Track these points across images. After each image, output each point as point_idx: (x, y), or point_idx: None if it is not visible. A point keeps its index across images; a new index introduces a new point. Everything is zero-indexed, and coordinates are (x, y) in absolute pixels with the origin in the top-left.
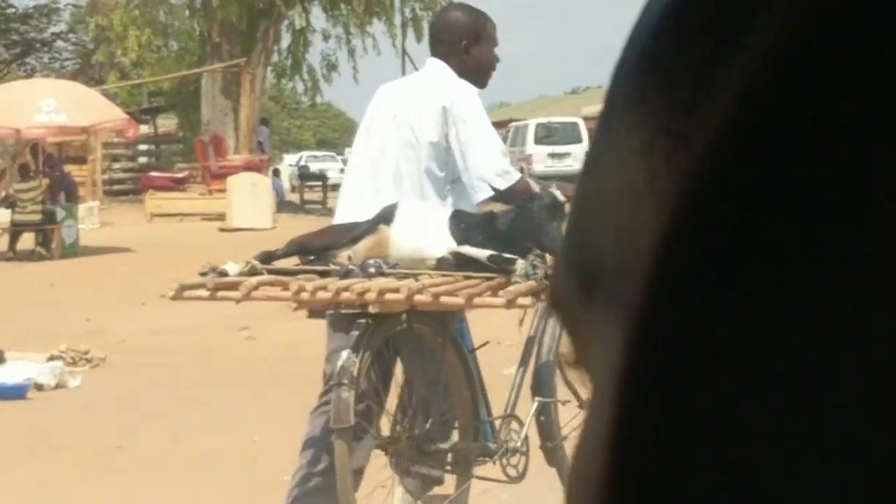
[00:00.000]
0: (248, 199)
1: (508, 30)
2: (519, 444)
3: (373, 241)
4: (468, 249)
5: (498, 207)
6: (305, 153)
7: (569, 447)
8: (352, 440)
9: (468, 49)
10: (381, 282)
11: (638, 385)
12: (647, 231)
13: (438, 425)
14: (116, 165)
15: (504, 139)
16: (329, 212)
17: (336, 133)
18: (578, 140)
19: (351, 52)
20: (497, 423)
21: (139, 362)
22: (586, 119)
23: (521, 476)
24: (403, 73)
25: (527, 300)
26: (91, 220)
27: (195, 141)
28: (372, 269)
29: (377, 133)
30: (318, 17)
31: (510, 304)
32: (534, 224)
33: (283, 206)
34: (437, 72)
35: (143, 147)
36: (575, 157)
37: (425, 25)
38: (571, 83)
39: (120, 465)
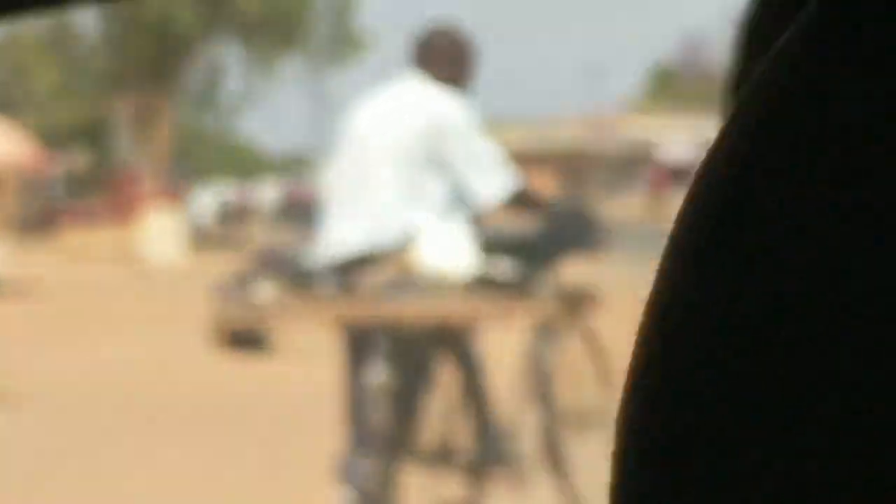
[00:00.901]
0: (163, 233)
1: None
2: (524, 453)
3: (397, 260)
4: (493, 269)
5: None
6: (223, 187)
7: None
8: (394, 448)
9: (455, 64)
10: (412, 299)
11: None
12: None
13: (464, 435)
14: (30, 200)
15: None
16: (247, 245)
17: (250, 165)
18: None
19: (265, 85)
20: (504, 434)
21: (54, 400)
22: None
23: (526, 483)
24: (319, 105)
25: (553, 314)
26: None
27: (109, 174)
28: (399, 288)
29: (365, 143)
30: (232, 50)
31: (537, 318)
32: (570, 232)
33: (200, 239)
34: (416, 85)
35: (56, 181)
36: None
37: (341, 58)
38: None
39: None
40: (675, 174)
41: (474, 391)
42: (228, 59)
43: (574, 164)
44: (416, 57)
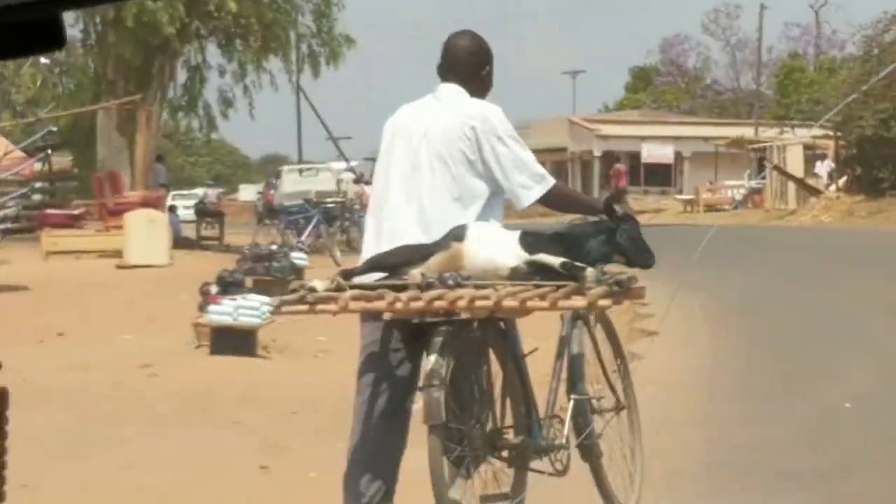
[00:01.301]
0: (145, 236)
1: (404, 65)
2: (564, 440)
3: (446, 256)
4: (542, 257)
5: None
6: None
7: (645, 426)
8: (444, 436)
9: (488, 73)
10: (469, 291)
11: None
12: None
13: (510, 422)
14: (11, 203)
15: (361, 176)
16: (227, 248)
17: (230, 169)
18: None
19: (246, 89)
20: (543, 421)
21: (43, 400)
22: None
23: (565, 470)
24: (299, 109)
25: (607, 301)
26: None
27: (91, 178)
28: (451, 282)
29: (408, 150)
30: (213, 54)
31: (591, 305)
32: (624, 240)
33: (180, 242)
34: (459, 95)
35: (38, 185)
36: None
37: (322, 61)
38: None
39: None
40: (654, 172)
41: (519, 380)
42: (212, 61)
43: (556, 167)
44: (444, 65)
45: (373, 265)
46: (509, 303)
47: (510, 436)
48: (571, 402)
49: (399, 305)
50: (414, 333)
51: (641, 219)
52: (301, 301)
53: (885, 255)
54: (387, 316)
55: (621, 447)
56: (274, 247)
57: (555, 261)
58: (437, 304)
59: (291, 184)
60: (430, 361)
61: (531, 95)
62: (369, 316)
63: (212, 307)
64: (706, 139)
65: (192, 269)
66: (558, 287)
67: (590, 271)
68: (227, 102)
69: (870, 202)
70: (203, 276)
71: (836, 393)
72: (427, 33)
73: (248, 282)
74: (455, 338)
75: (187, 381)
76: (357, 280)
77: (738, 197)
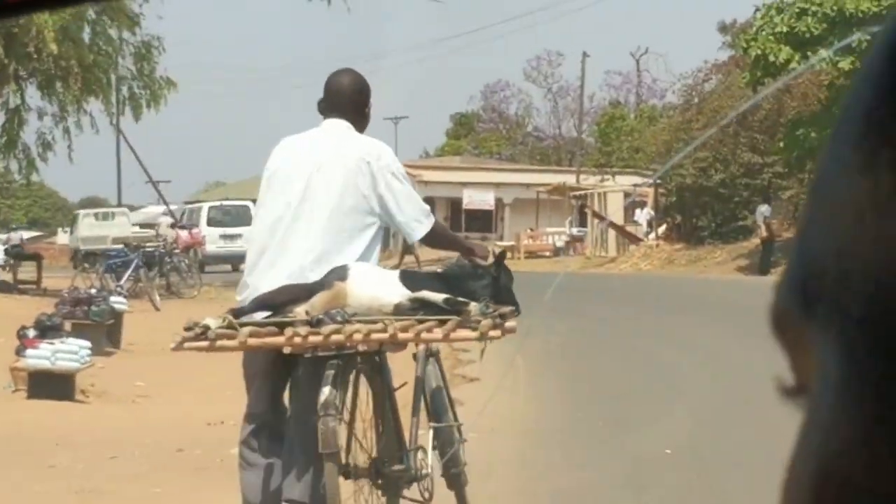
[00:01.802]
0: None
1: (226, 107)
2: (427, 470)
3: (329, 295)
4: (426, 294)
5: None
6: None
7: (469, 472)
8: (339, 463)
9: (369, 110)
10: (364, 325)
11: (861, 394)
12: (869, 243)
13: (388, 451)
14: None
15: (179, 219)
16: (45, 291)
17: (48, 212)
18: (249, 222)
19: (67, 131)
20: (409, 453)
21: None
22: None
23: (430, 498)
24: (118, 151)
25: (496, 332)
26: None
27: None
28: (339, 318)
29: (300, 183)
30: (33, 96)
31: (483, 335)
32: (491, 282)
33: None
34: (348, 131)
35: None
36: (247, 239)
37: (143, 103)
38: None
39: None
40: (475, 218)
41: (392, 412)
42: (31, 103)
43: None
44: (329, 102)
45: (259, 304)
46: (405, 335)
47: (388, 465)
48: (431, 431)
49: (297, 340)
50: (281, 363)
51: None
52: (201, 338)
53: (703, 303)
54: (286, 350)
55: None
56: (93, 291)
57: (437, 297)
58: (335, 337)
59: (87, 228)
60: (324, 392)
61: None
62: (252, 363)
63: (29, 351)
64: (527, 186)
65: (8, 313)
66: (441, 321)
67: (474, 305)
68: (46, 145)
69: (689, 250)
70: (20, 320)
71: (656, 439)
72: (251, 76)
73: (67, 325)
74: (344, 370)
75: (2, 425)
76: (244, 318)
77: (560, 244)
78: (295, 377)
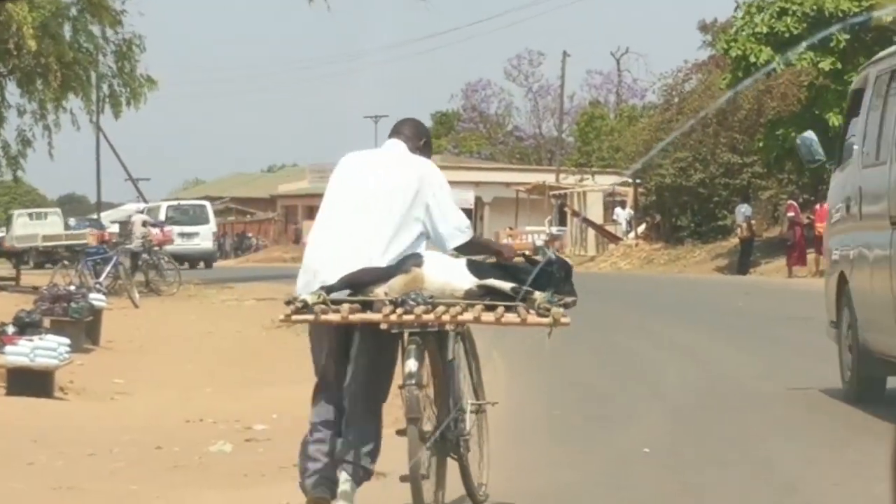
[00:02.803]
0: None
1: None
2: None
3: (408, 278)
4: (493, 282)
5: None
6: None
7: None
8: (421, 427)
9: (426, 144)
10: (448, 308)
11: None
12: None
13: (451, 417)
14: None
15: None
16: (22, 289)
17: (28, 207)
18: (206, 221)
19: (46, 128)
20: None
21: None
22: (282, 196)
23: (466, 454)
24: (98, 149)
25: (566, 319)
26: None
27: None
28: (419, 300)
29: (363, 189)
30: (13, 93)
31: (556, 321)
32: (554, 280)
33: None
34: (403, 149)
35: None
36: (203, 237)
37: (123, 101)
38: (268, 161)
39: None
40: None
41: (451, 381)
42: (11, 100)
43: None
44: (395, 129)
45: (345, 283)
46: (487, 317)
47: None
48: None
49: (394, 317)
50: (343, 338)
51: None
52: (304, 312)
53: (682, 302)
54: (383, 326)
55: (478, 440)
56: (72, 288)
57: (505, 285)
58: (426, 317)
59: (21, 227)
60: (409, 365)
61: (333, 139)
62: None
63: (8, 348)
64: (507, 185)
65: None
66: (507, 307)
67: (540, 294)
68: (25, 142)
69: (668, 249)
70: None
71: (634, 437)
72: (231, 74)
73: (46, 322)
74: (423, 346)
75: None
76: (334, 295)
77: (539, 243)
78: (360, 349)
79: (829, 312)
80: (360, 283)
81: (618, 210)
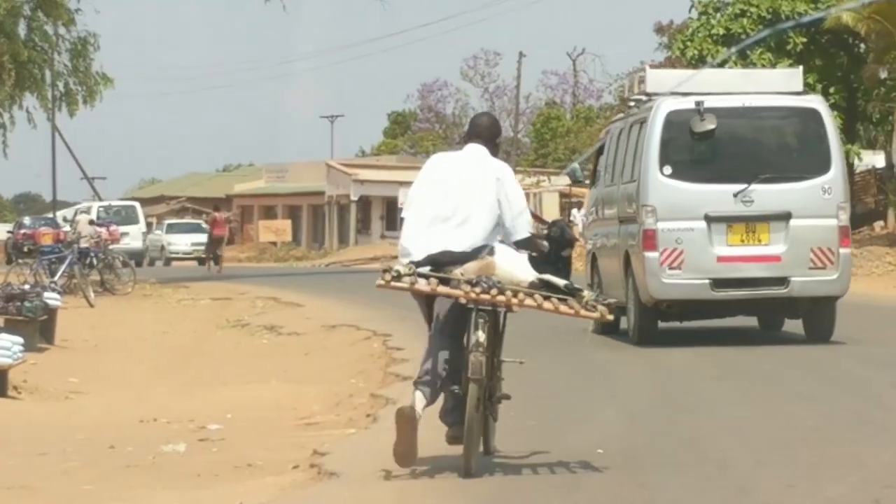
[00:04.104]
0: None
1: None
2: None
3: (481, 264)
4: (551, 277)
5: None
6: None
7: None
8: (482, 387)
9: (500, 143)
10: (515, 293)
11: None
12: None
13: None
14: None
15: (72, 219)
16: None
17: None
18: (136, 221)
19: (1, 127)
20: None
21: None
22: (238, 196)
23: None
24: (54, 147)
25: (611, 316)
26: None
27: None
28: (490, 283)
29: (448, 183)
30: None
31: (602, 316)
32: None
33: None
34: (484, 152)
35: None
36: (132, 237)
37: (79, 99)
38: (224, 161)
39: None
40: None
41: (499, 352)
42: None
43: (314, 210)
44: (472, 133)
45: (428, 261)
46: (547, 306)
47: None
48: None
49: (472, 295)
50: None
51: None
52: (399, 280)
53: None
54: (462, 300)
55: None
56: (27, 286)
57: (560, 281)
58: (499, 298)
59: None
60: (478, 335)
61: (289, 139)
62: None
63: None
64: None
65: None
66: (561, 299)
67: (588, 292)
68: None
69: None
70: None
71: (588, 438)
72: (186, 74)
73: (0, 321)
74: (489, 321)
75: None
76: (419, 270)
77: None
78: (441, 317)
79: (586, 279)
80: (439, 263)
81: (574, 212)
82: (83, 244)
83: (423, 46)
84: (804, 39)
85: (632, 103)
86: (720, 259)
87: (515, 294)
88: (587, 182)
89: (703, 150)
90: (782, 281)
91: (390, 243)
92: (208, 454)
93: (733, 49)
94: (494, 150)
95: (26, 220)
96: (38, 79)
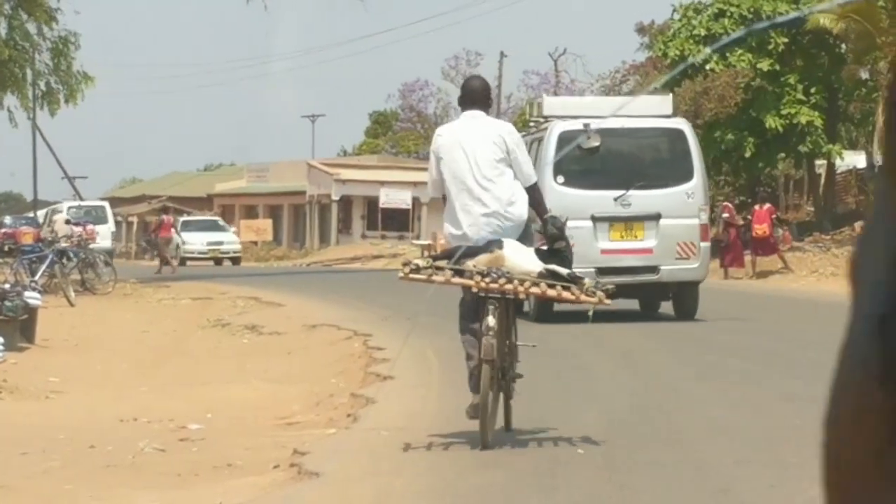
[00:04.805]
0: None
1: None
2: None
3: (491, 257)
4: (556, 267)
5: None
6: None
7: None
8: (494, 367)
9: (490, 100)
10: (523, 282)
11: None
12: None
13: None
14: None
15: (44, 218)
16: None
17: None
18: (105, 221)
19: None
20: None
21: None
22: (219, 195)
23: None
24: (35, 146)
25: (609, 301)
26: None
27: None
28: (499, 273)
29: (463, 150)
30: None
31: (600, 301)
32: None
33: None
34: (483, 116)
35: None
36: (102, 236)
37: (60, 98)
38: (205, 160)
39: None
40: (392, 217)
41: (513, 335)
42: None
43: (295, 210)
44: (468, 98)
45: (443, 255)
46: (551, 293)
47: (503, 365)
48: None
49: (483, 284)
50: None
51: (378, 263)
52: (418, 272)
53: (616, 304)
54: (475, 289)
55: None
56: (7, 286)
57: (563, 271)
58: (507, 286)
59: None
60: (488, 320)
61: (270, 138)
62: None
63: None
64: None
65: None
66: (564, 287)
67: (588, 280)
68: None
69: None
70: None
71: (569, 438)
72: (168, 73)
73: None
74: (500, 307)
75: None
76: (436, 262)
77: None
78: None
79: None
80: (455, 256)
81: None
82: (63, 243)
83: (405, 46)
84: (785, 40)
85: (532, 124)
86: (603, 252)
87: (522, 283)
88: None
89: (589, 163)
90: (654, 269)
91: (371, 243)
92: (188, 454)
93: (709, 49)
94: (488, 110)
95: (7, 220)
96: (19, 78)
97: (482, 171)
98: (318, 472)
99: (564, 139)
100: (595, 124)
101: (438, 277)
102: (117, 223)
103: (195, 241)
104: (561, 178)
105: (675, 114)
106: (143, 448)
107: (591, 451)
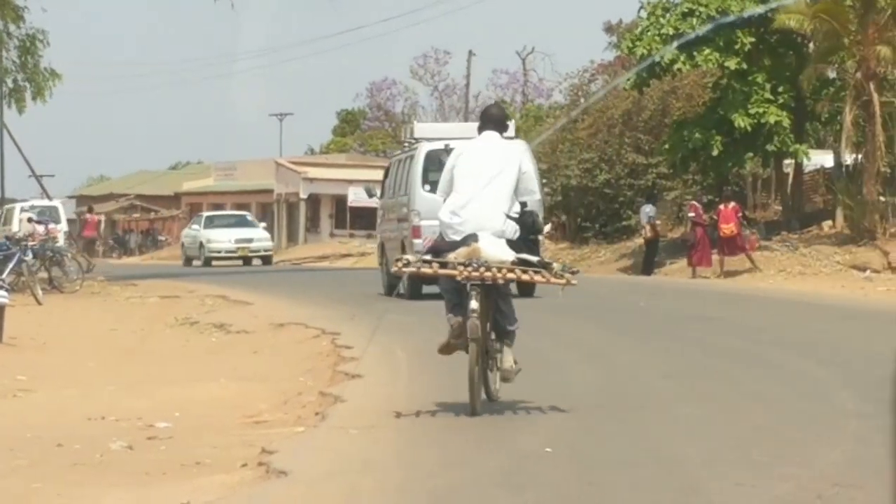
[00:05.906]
0: None
1: (110, 102)
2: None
3: (469, 250)
4: (526, 256)
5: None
6: None
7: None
8: (479, 345)
9: (507, 126)
10: (499, 269)
11: None
12: None
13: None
14: None
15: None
16: None
17: None
18: (57, 221)
19: None
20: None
21: None
22: (186, 194)
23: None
24: (1, 145)
25: (575, 281)
26: None
27: None
28: (477, 264)
29: (476, 167)
30: None
31: (568, 282)
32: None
33: None
34: (499, 137)
35: None
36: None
37: (28, 96)
38: (173, 159)
39: None
40: (360, 216)
41: (495, 314)
42: None
43: (263, 208)
44: (487, 122)
45: (429, 250)
46: (525, 277)
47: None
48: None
49: (465, 273)
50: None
51: (347, 262)
52: (408, 267)
53: (585, 302)
54: (458, 278)
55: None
56: None
57: (533, 258)
58: (487, 274)
59: None
60: (473, 304)
61: (238, 137)
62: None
63: None
64: None
65: None
66: (536, 271)
67: (556, 265)
68: None
69: (574, 249)
70: None
71: (536, 437)
72: (136, 72)
73: None
74: (481, 292)
75: None
76: (425, 257)
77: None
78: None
79: (378, 259)
80: (439, 251)
81: None
82: (30, 242)
83: (373, 45)
84: (752, 39)
85: (406, 144)
86: None
87: (499, 270)
88: (378, 197)
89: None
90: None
91: (340, 241)
92: (156, 452)
93: (674, 44)
94: (504, 133)
95: None
96: None
97: (490, 179)
98: (286, 471)
99: (431, 157)
100: (453, 144)
101: (427, 269)
102: (83, 221)
103: (222, 239)
104: (427, 187)
105: (517, 136)
106: (111, 446)
107: (559, 448)
